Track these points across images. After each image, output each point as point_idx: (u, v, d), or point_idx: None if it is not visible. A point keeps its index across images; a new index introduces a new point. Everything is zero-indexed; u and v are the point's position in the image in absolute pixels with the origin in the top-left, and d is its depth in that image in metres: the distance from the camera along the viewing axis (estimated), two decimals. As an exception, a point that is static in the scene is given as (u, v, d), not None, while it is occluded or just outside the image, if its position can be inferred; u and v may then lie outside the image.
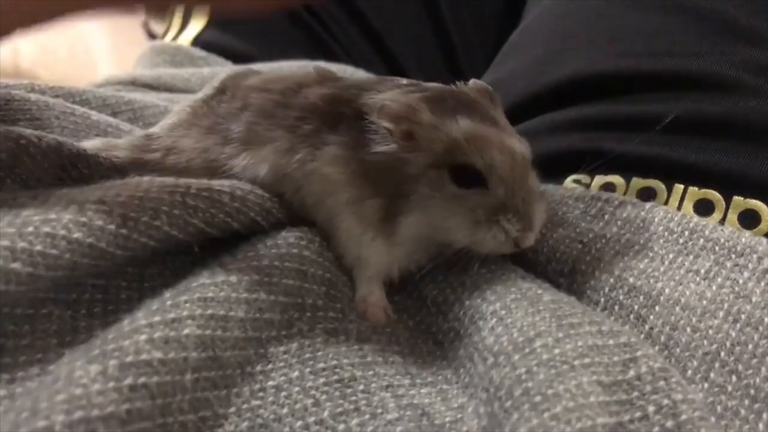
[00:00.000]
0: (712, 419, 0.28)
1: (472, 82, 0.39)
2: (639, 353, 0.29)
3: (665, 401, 0.28)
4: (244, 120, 0.38)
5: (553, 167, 0.43)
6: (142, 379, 0.25)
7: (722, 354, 0.31)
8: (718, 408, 0.30)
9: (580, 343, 0.29)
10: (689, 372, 0.31)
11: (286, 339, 0.32)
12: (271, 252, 0.33)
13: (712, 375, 0.31)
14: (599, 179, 0.42)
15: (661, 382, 0.28)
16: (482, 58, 0.65)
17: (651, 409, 0.28)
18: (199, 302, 0.28)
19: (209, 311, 0.28)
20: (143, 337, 0.26)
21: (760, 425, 0.29)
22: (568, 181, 0.43)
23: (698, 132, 0.40)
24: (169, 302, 0.28)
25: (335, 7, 0.70)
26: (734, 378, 0.31)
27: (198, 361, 0.27)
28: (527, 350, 0.29)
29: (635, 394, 0.28)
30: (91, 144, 0.40)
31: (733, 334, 0.31)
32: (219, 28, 0.70)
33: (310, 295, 0.33)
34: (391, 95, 0.35)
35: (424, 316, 0.37)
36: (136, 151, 0.40)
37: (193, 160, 0.39)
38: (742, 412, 0.30)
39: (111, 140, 0.42)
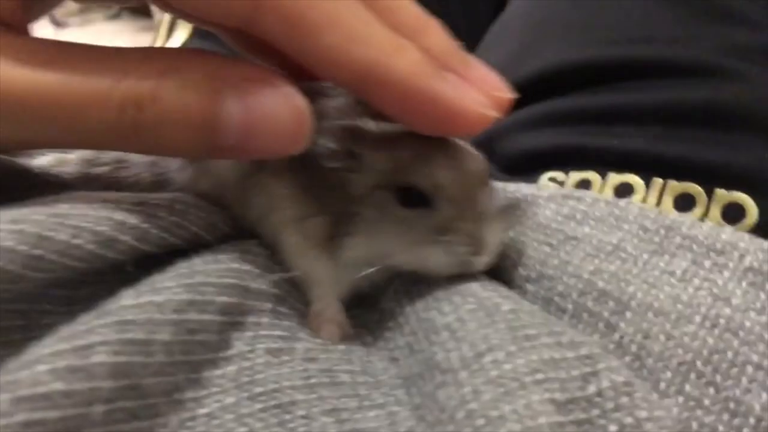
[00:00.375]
0: (683, 439, 0.25)
1: None
2: (600, 366, 0.26)
3: (628, 419, 0.25)
4: None
5: (528, 165, 0.40)
6: (37, 415, 0.23)
7: (698, 363, 0.28)
8: (694, 425, 0.27)
9: (534, 357, 0.26)
10: (662, 385, 0.28)
11: (224, 362, 0.29)
12: (208, 267, 0.31)
13: (687, 387, 0.28)
14: (575, 176, 0.39)
15: (624, 398, 0.26)
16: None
17: (612, 429, 0.25)
18: (116, 326, 0.26)
19: (128, 335, 0.26)
20: (44, 367, 0.24)
21: (741, 443, 0.26)
22: (544, 179, 0.40)
23: (678, 122, 0.37)
24: (81, 327, 0.26)
25: None
26: (712, 390, 0.28)
27: (112, 391, 0.25)
28: (475, 367, 0.26)
29: (595, 412, 0.25)
30: (44, 160, 0.39)
31: (711, 341, 0.29)
32: (203, 36, 0.68)
33: (252, 312, 0.31)
34: (337, 106, 0.33)
35: (382, 331, 0.34)
36: (86, 165, 0.39)
37: (142, 174, 0.38)
38: (720, 429, 0.27)
39: (62, 155, 0.40)
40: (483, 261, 0.33)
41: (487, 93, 0.30)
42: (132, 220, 0.30)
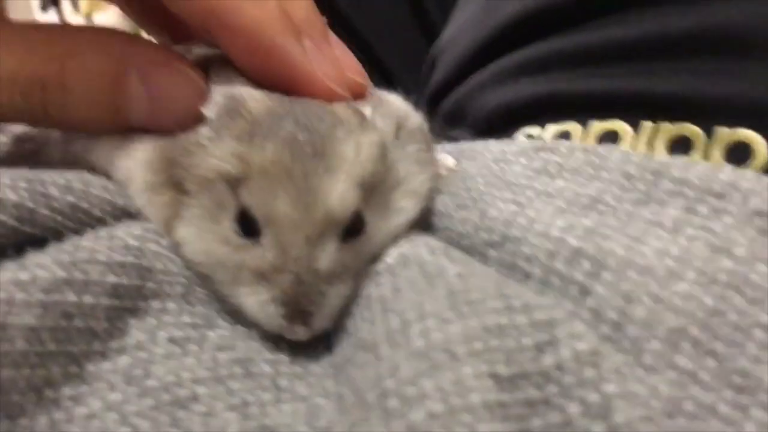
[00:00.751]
0: (666, 421, 0.19)
1: None
2: (560, 333, 0.21)
3: (593, 396, 0.19)
4: None
5: (502, 122, 0.35)
6: None
7: (693, 329, 0.22)
8: (688, 405, 0.21)
9: (472, 324, 0.21)
10: (648, 358, 0.22)
11: (115, 353, 0.25)
12: (98, 244, 0.26)
13: (679, 359, 0.22)
14: (552, 129, 0.34)
15: (589, 371, 0.20)
16: None
17: (573, 409, 0.19)
18: None
19: None
20: None
21: (748, 426, 0.20)
22: (519, 137, 0.35)
23: (665, 55, 0.31)
24: None
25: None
26: (710, 361, 0.22)
27: None
28: (399, 339, 0.21)
29: (552, 389, 0.20)
30: None
31: (709, 301, 0.22)
32: None
33: (156, 296, 0.26)
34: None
35: None
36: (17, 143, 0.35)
37: (53, 153, 0.33)
38: (722, 408, 0.21)
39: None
40: (297, 332, 0.26)
41: (339, 71, 0.29)
42: (12, 197, 0.26)
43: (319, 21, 0.29)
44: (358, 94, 0.30)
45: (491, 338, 0.20)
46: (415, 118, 0.33)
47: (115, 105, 0.28)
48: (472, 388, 0.19)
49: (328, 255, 0.26)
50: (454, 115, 0.43)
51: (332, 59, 0.29)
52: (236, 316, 0.27)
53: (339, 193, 0.26)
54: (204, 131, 0.27)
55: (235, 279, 0.27)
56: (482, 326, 0.21)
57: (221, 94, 0.28)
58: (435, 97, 0.46)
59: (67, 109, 0.28)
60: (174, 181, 0.28)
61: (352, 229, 0.27)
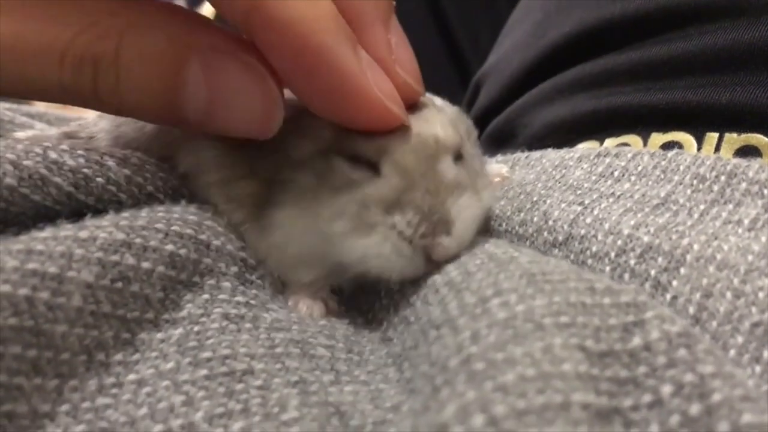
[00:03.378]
0: (765, 402, 0.18)
1: None
2: (648, 314, 0.20)
3: (688, 377, 0.18)
4: None
5: (556, 138, 0.34)
6: None
7: (779, 324, 0.21)
8: (778, 398, 0.20)
9: (557, 299, 0.20)
10: (732, 352, 0.21)
11: (168, 324, 0.24)
12: (156, 214, 0.25)
13: (766, 353, 0.21)
14: (610, 142, 0.33)
15: (682, 351, 0.19)
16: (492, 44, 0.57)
17: (666, 389, 0.18)
18: (20, 254, 0.21)
19: (30, 265, 0.21)
20: None
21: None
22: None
23: (730, 67, 0.31)
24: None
25: None
26: (799, 355, 0.21)
27: (6, 330, 0.19)
28: (478, 311, 0.20)
29: (642, 369, 0.19)
30: (24, 135, 0.35)
31: None
32: None
33: (211, 273, 0.25)
34: None
35: (376, 312, 0.28)
36: (65, 138, 0.35)
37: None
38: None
39: (42, 131, 0.37)
40: (445, 244, 0.25)
41: (399, 82, 0.26)
42: (70, 162, 0.25)
43: (383, 6, 0.27)
44: (409, 100, 0.27)
45: (578, 314, 0.19)
46: (474, 129, 0.32)
47: (171, 94, 0.25)
48: (564, 358, 0.18)
49: (448, 167, 0.26)
50: (501, 135, 0.42)
51: (394, 61, 0.26)
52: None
53: (442, 127, 0.27)
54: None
55: (361, 225, 0.25)
56: (567, 302, 0.20)
57: None
58: (480, 119, 0.45)
59: (120, 92, 0.25)
60: (259, 176, 0.27)
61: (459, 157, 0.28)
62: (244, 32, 0.25)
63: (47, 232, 0.22)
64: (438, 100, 0.32)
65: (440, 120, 0.27)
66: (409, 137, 0.26)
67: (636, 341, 0.19)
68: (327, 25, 0.23)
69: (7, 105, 0.40)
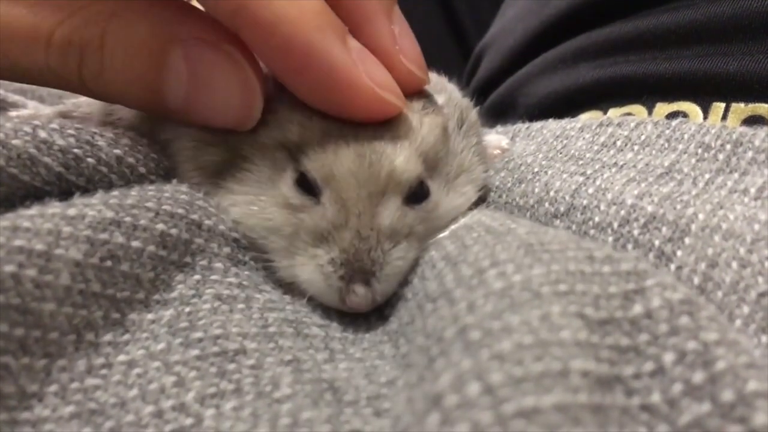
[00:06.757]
0: (770, 370, 0.17)
1: None
2: (650, 282, 0.19)
3: (691, 344, 0.18)
4: None
5: (558, 108, 0.34)
6: None
7: (787, 292, 0.21)
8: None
9: (555, 268, 0.19)
10: (738, 322, 0.21)
11: (159, 305, 0.23)
12: (147, 193, 0.25)
13: (772, 322, 0.20)
14: (614, 113, 0.32)
15: (684, 319, 0.18)
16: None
17: (668, 358, 0.17)
18: (5, 231, 0.20)
19: (16, 242, 0.20)
20: None
21: None
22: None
23: (738, 36, 0.30)
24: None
25: None
26: (807, 324, 0.20)
27: None
28: (475, 281, 0.19)
29: (643, 337, 0.18)
30: (19, 113, 0.34)
31: None
32: None
33: (203, 253, 0.25)
34: None
35: None
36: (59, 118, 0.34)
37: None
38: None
39: (37, 109, 0.36)
40: (360, 294, 0.24)
41: (404, 71, 0.26)
42: (60, 141, 0.25)
43: None
44: (414, 89, 0.27)
45: (576, 282, 0.19)
46: (473, 111, 0.32)
47: (153, 82, 0.25)
48: (562, 325, 0.17)
49: (390, 213, 0.25)
50: (502, 106, 0.41)
51: (397, 49, 0.26)
52: (286, 287, 0.26)
53: (403, 156, 0.25)
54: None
55: (291, 246, 0.25)
56: (565, 270, 0.19)
57: None
58: (481, 90, 0.45)
59: (104, 78, 0.25)
60: (228, 144, 0.27)
61: (418, 195, 0.26)
62: (232, 30, 0.24)
63: (34, 210, 0.22)
64: (448, 84, 0.32)
65: (411, 142, 0.26)
66: (360, 165, 0.25)
67: (637, 309, 0.19)
68: (312, 23, 0.23)
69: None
